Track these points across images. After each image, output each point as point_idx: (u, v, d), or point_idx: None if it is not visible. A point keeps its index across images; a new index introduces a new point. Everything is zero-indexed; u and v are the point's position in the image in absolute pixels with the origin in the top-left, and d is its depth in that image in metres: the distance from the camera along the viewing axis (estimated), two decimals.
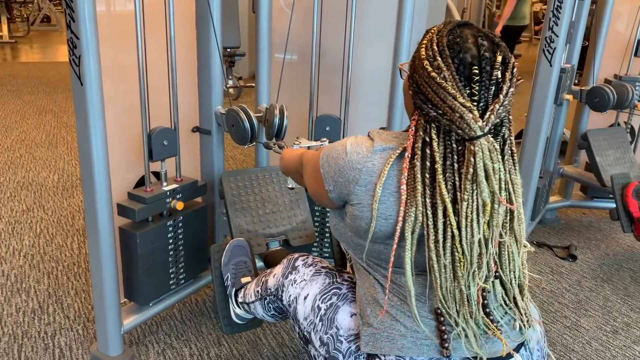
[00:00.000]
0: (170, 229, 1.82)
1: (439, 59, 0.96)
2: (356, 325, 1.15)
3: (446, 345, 1.02)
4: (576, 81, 3.10)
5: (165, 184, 1.80)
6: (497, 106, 0.94)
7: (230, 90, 5.94)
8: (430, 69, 0.96)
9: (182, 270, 1.91)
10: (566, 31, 2.30)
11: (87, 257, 2.33)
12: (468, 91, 0.95)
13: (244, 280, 1.61)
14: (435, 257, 0.97)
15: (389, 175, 1.01)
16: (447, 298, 1.00)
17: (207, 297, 2.17)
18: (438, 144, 0.97)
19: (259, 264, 2.07)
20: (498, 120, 0.96)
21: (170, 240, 1.83)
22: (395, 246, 1.00)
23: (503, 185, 0.96)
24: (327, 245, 2.22)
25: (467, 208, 0.95)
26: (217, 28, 1.81)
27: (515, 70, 0.98)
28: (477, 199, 0.95)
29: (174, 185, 1.81)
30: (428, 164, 0.97)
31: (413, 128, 1.00)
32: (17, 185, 3.23)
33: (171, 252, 1.84)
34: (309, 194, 1.22)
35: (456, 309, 1.00)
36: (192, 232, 1.91)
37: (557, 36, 2.28)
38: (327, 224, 2.19)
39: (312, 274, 1.28)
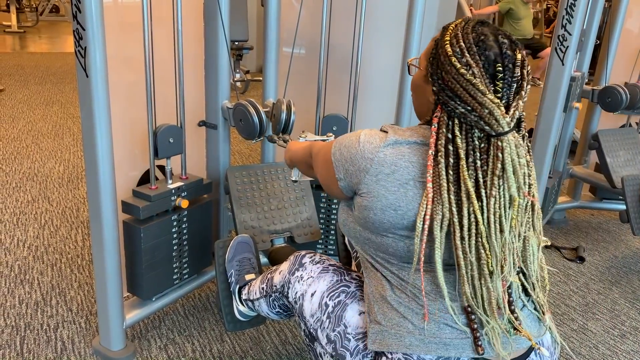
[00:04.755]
0: (175, 223, 1.80)
1: (467, 55, 0.97)
2: (364, 324, 1.13)
3: (479, 343, 1.02)
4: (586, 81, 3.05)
5: (170, 181, 1.78)
6: (520, 102, 0.98)
7: (238, 83, 5.92)
8: (459, 65, 0.97)
9: (185, 265, 1.90)
10: (580, 30, 2.26)
11: (91, 250, 2.32)
12: (492, 88, 0.97)
13: (248, 277, 1.59)
14: (462, 254, 0.98)
15: (400, 166, 1.02)
16: (476, 296, 1.00)
17: (211, 293, 2.15)
18: (461, 140, 0.98)
19: (263, 260, 2.05)
20: (519, 116, 0.99)
21: (175, 235, 1.81)
22: (418, 239, 1.00)
23: (526, 180, 0.99)
24: (332, 242, 2.20)
25: (494, 204, 0.96)
26: (225, 21, 1.79)
27: (529, 67, 1.01)
28: (504, 194, 0.96)
29: (180, 183, 1.79)
30: (452, 160, 0.98)
31: (435, 125, 1.01)
32: (23, 176, 3.22)
33: (175, 247, 1.83)
34: (320, 182, 1.22)
35: (484, 306, 1.01)
36: (197, 227, 1.89)
37: (570, 34, 2.24)
38: (333, 222, 2.17)
39: (319, 271, 1.26)
